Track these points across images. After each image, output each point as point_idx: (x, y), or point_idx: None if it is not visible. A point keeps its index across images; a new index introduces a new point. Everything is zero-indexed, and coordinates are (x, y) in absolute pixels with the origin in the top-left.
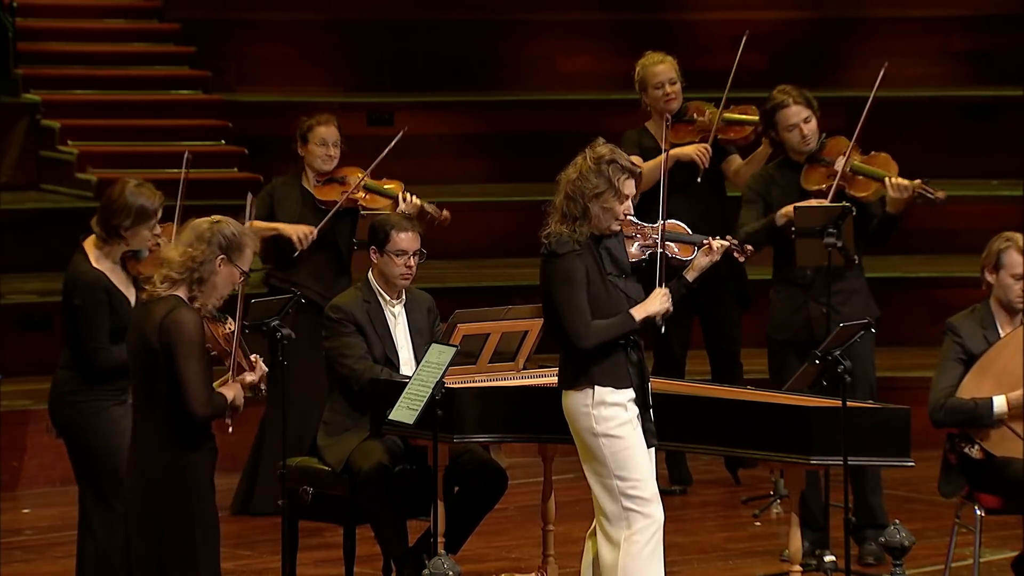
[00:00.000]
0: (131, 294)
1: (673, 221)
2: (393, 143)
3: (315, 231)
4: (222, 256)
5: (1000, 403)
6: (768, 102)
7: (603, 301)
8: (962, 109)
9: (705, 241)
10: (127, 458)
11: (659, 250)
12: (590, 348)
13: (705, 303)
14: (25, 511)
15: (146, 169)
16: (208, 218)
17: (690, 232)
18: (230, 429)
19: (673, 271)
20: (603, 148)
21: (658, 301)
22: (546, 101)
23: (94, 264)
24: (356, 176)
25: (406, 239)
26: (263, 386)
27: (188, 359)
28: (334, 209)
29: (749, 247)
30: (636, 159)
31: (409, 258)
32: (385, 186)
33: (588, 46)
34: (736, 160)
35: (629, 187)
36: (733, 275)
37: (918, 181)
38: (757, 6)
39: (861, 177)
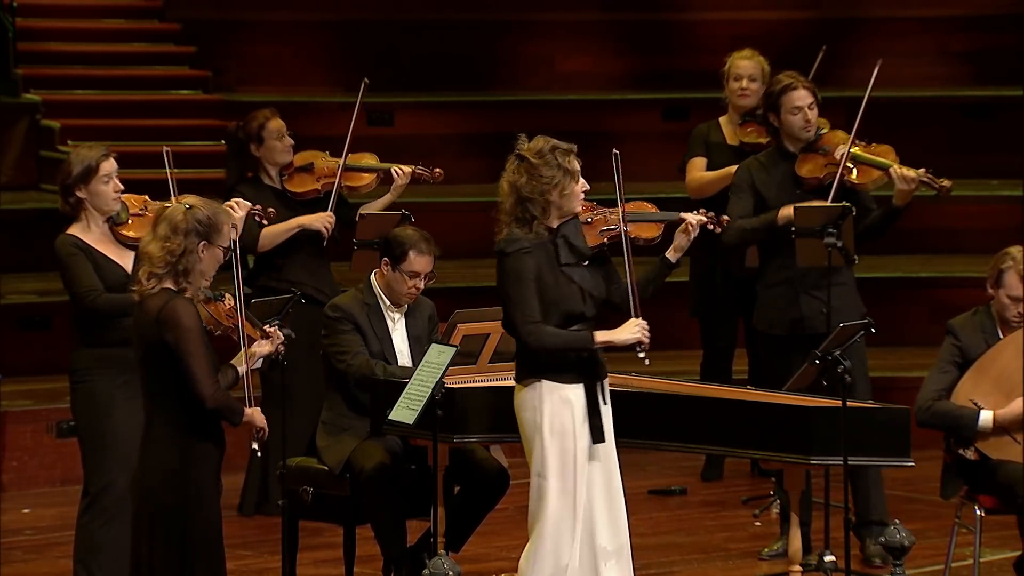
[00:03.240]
0: (126, 261)
1: (639, 201)
2: (353, 120)
3: (333, 216)
4: (203, 242)
5: (986, 418)
6: (773, 84)
7: (554, 295)
8: (962, 109)
9: (679, 218)
10: (139, 451)
11: (625, 244)
12: (535, 348)
13: (749, 304)
14: (25, 511)
15: (146, 169)
16: (178, 205)
17: (658, 211)
18: (259, 453)
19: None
20: (536, 141)
21: (627, 332)
22: (546, 101)
23: (69, 232)
24: (323, 160)
25: (422, 262)
26: (281, 351)
27: (189, 350)
28: (333, 196)
29: (725, 217)
30: (701, 160)
31: (420, 280)
32: (363, 161)
33: (588, 46)
34: None
35: (575, 163)
36: None
37: (923, 170)
38: (757, 6)
39: (863, 166)
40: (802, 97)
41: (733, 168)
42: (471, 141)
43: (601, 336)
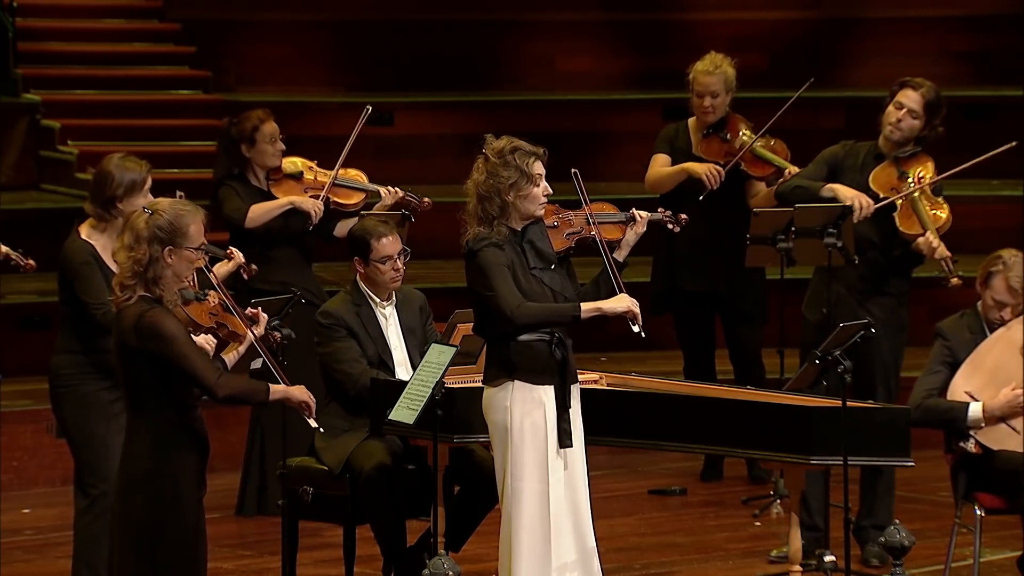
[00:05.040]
0: None
1: (600, 202)
2: (352, 138)
3: (323, 206)
4: (167, 248)
5: (975, 410)
6: (905, 78)
7: (526, 295)
8: (962, 109)
9: (632, 215)
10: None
11: (598, 238)
12: (523, 325)
13: (726, 302)
14: (25, 511)
15: None
16: (142, 212)
17: (617, 211)
18: (320, 429)
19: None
20: (500, 141)
21: (617, 302)
22: (546, 101)
23: (84, 238)
24: (313, 172)
25: (388, 244)
26: (277, 334)
27: (181, 352)
28: (322, 195)
29: (683, 216)
30: (664, 158)
31: (395, 261)
32: (352, 178)
33: (588, 46)
34: (757, 188)
35: (538, 168)
36: (750, 294)
37: (948, 255)
38: (757, 6)
39: (914, 215)
40: (907, 97)
41: (689, 165)
42: (471, 141)
43: (588, 305)
